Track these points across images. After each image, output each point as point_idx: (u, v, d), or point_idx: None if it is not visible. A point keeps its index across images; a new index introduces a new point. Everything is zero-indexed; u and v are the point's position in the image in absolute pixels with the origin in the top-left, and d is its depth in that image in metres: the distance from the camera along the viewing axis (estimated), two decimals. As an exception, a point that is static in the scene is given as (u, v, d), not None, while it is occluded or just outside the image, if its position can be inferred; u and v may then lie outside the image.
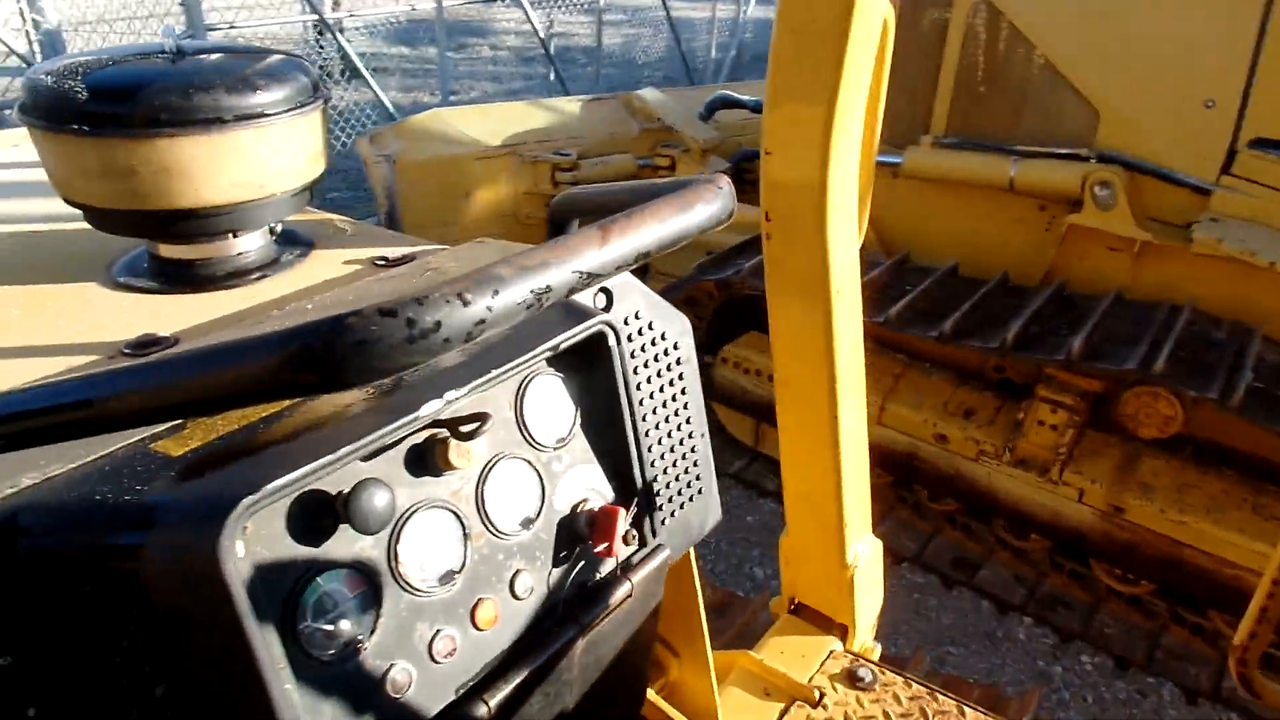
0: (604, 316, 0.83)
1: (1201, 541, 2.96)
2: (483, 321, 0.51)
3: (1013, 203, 3.73)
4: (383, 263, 1.15)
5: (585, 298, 0.86)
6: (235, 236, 1.07)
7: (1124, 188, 3.38)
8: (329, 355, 0.48)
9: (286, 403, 0.68)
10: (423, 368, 0.55)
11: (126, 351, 0.91)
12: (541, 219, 5.36)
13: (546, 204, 5.31)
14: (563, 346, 0.80)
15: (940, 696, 1.43)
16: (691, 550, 1.19)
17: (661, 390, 0.99)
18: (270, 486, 0.57)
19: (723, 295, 4.19)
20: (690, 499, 1.07)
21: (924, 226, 4.01)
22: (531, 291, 0.53)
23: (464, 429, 0.68)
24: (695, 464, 1.07)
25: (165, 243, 1.07)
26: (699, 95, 5.73)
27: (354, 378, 0.49)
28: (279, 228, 1.18)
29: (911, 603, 3.49)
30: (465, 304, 0.50)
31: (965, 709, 1.42)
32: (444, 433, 0.69)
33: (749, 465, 4.15)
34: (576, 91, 8.07)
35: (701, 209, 0.69)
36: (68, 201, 1.04)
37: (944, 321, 3.33)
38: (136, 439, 0.65)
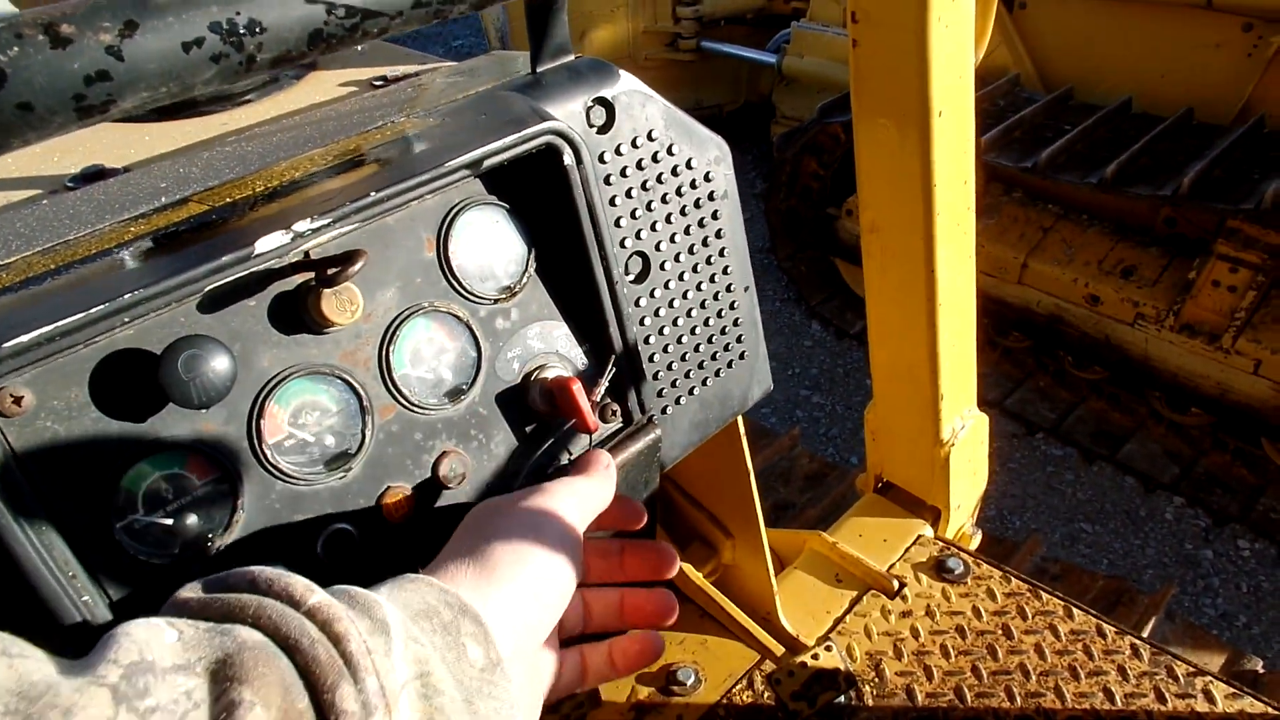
0: (550, 124, 0.63)
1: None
2: (105, 76, 0.33)
3: (1209, 22, 3.13)
4: (380, 82, 0.99)
5: (565, 112, 0.67)
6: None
7: (1358, -5, 2.75)
8: None
9: (115, 237, 0.54)
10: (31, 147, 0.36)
11: (70, 185, 0.81)
12: (664, 60, 5.01)
13: (668, 43, 4.98)
14: (490, 164, 0.61)
15: (1044, 594, 1.24)
16: (740, 420, 1.03)
17: (686, 233, 0.80)
18: (5, 348, 0.43)
19: (850, 140, 3.81)
20: (729, 364, 0.90)
21: (1094, 56, 3.45)
22: (214, 27, 0.35)
23: (330, 272, 0.52)
24: (735, 323, 0.89)
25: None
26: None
27: None
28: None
29: (1044, 476, 3.22)
30: (61, 42, 0.32)
31: (1073, 609, 1.22)
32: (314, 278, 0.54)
33: (874, 325, 3.88)
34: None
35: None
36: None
37: (1107, 165, 2.88)
38: None
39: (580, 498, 0.63)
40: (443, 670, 0.45)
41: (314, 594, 0.42)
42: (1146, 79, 3.32)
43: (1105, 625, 1.19)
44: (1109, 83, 3.41)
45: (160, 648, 0.38)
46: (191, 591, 0.43)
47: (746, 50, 4.76)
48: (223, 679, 0.37)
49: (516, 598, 0.54)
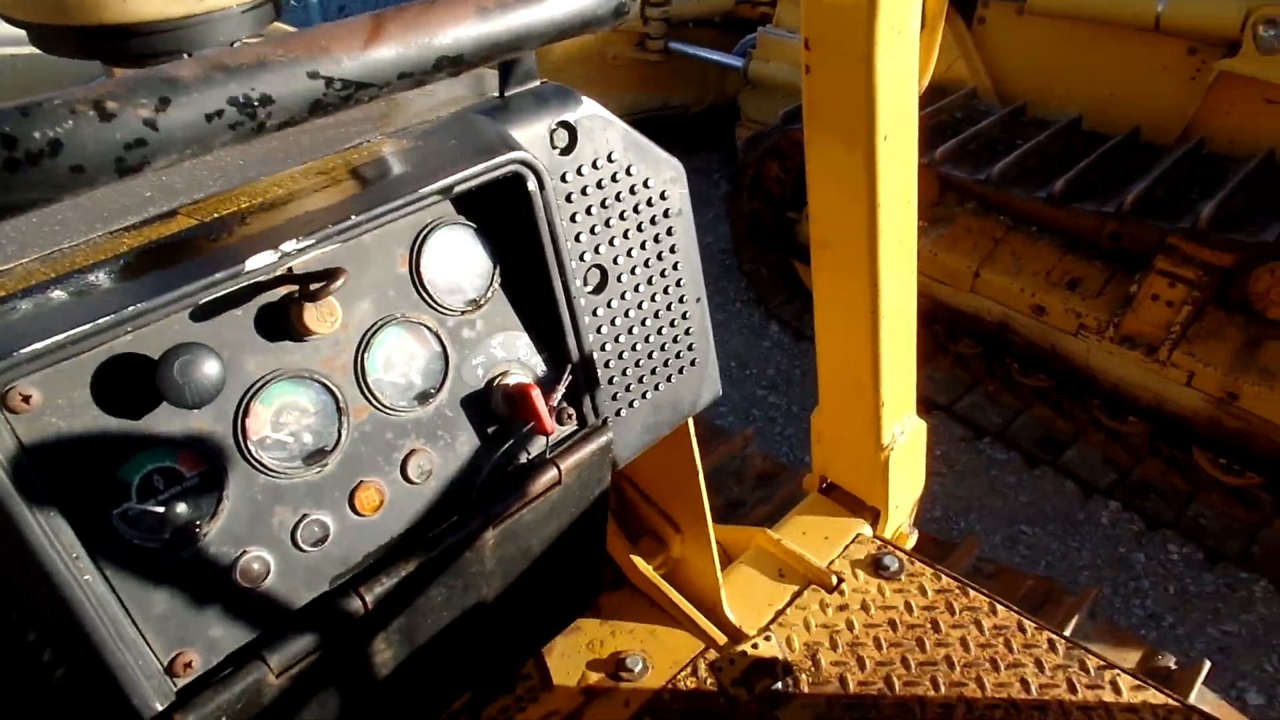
0: (516, 154, 0.69)
1: (1323, 436, 2.68)
2: (142, 143, 0.39)
3: (1156, 45, 3.26)
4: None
5: (530, 135, 0.72)
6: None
7: (1292, 27, 2.88)
8: None
9: (111, 248, 0.58)
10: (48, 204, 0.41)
11: None
12: (631, 59, 5.06)
13: (636, 42, 5.03)
14: (460, 190, 0.66)
15: (972, 591, 1.32)
16: (690, 422, 1.09)
17: (642, 248, 0.86)
18: (21, 353, 0.48)
19: (814, 146, 3.89)
20: (680, 370, 0.96)
21: (1047, 73, 3.57)
22: (232, 102, 0.40)
23: (312, 287, 0.57)
24: (687, 332, 0.95)
25: (115, 68, 0.98)
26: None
27: None
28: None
29: (988, 480, 3.34)
30: (107, 116, 0.38)
31: (997, 606, 1.31)
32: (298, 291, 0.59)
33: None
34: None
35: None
36: (7, 20, 0.95)
37: (1056, 180, 3.00)
38: None
39: None
40: None
41: None
42: (1096, 97, 3.45)
43: (1026, 621, 1.28)
44: (1061, 99, 3.53)
45: None
46: None
47: (713, 53, 4.82)
48: None
49: None
